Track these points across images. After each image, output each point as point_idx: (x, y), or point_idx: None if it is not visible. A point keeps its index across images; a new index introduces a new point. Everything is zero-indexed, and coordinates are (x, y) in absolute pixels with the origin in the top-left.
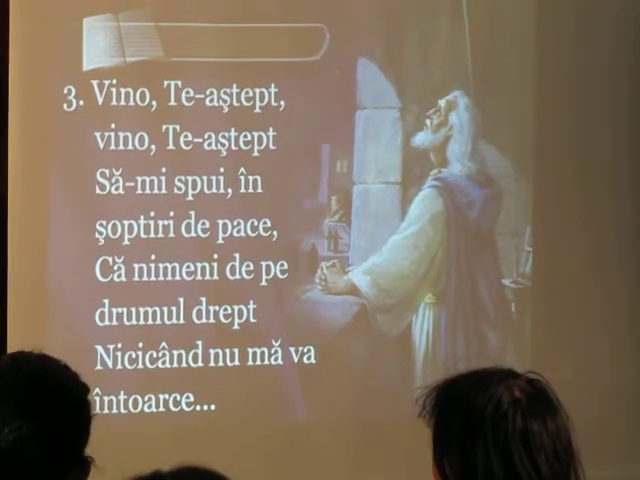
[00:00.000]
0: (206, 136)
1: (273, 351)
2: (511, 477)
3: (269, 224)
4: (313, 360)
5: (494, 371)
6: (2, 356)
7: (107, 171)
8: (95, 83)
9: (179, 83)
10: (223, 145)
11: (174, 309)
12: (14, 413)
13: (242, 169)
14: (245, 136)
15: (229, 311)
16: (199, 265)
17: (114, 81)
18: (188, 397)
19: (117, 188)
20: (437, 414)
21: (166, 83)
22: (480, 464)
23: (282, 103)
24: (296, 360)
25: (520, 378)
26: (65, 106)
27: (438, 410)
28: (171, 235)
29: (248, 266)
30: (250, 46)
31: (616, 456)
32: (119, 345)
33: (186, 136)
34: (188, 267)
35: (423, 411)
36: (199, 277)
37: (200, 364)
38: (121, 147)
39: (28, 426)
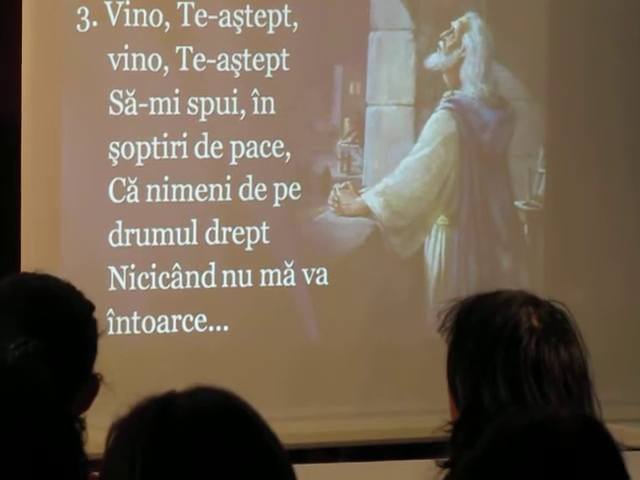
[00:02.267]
0: (219, 57)
1: (286, 272)
2: (518, 404)
3: (282, 145)
4: (326, 282)
5: (517, 294)
6: (2, 278)
7: (120, 92)
8: (108, 4)
9: (192, 4)
10: (236, 66)
11: (187, 230)
12: (18, 330)
13: (255, 90)
14: (258, 57)
15: (242, 232)
16: (212, 186)
17: (127, 2)
18: (201, 318)
19: (130, 109)
20: (454, 331)
21: (179, 4)
22: (487, 386)
23: (295, 24)
24: (309, 282)
25: (541, 306)
26: (78, 27)
27: (456, 327)
28: (184, 156)
29: (261, 187)
30: None
31: (626, 378)
32: (132, 266)
33: (199, 57)
34: (201, 188)
35: (443, 327)
36: (212, 198)
37: (213, 285)
38: (134, 68)
39: (33, 341)
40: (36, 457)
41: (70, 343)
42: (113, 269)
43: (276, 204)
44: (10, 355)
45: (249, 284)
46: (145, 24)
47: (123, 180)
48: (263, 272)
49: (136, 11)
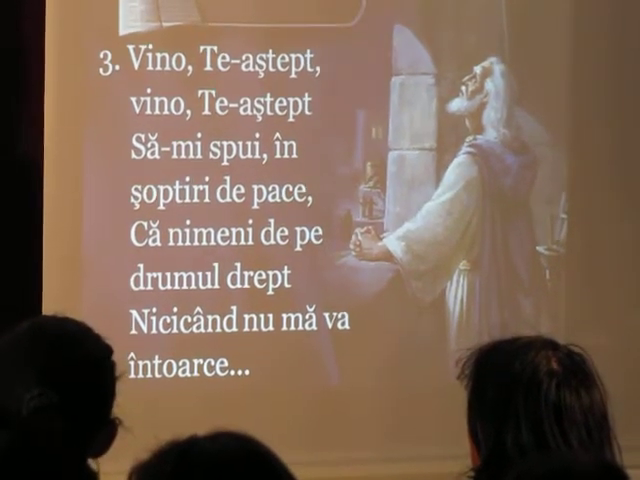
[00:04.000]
0: (242, 101)
1: (307, 317)
2: (540, 448)
3: (304, 190)
4: (347, 326)
5: (535, 339)
6: (22, 322)
7: (143, 136)
8: (131, 48)
9: (215, 48)
10: (259, 110)
11: (209, 274)
12: (35, 379)
13: (277, 134)
14: (281, 102)
15: (263, 276)
16: (234, 230)
17: (150, 46)
18: (222, 362)
19: (153, 153)
20: (474, 377)
21: (202, 48)
22: (510, 431)
23: (318, 69)
24: (330, 326)
25: (560, 350)
26: (101, 71)
27: (475, 373)
28: (206, 200)
29: (283, 231)
30: (286, 11)
31: None
32: (154, 310)
33: (222, 101)
34: (223, 232)
35: (462, 374)
36: (234, 242)
37: (234, 329)
38: (157, 112)
39: (49, 393)
40: None
41: (87, 388)
42: (134, 312)
43: (298, 248)
44: (25, 408)
45: (270, 328)
46: (168, 68)
47: (145, 224)
48: (285, 316)
49: (159, 55)
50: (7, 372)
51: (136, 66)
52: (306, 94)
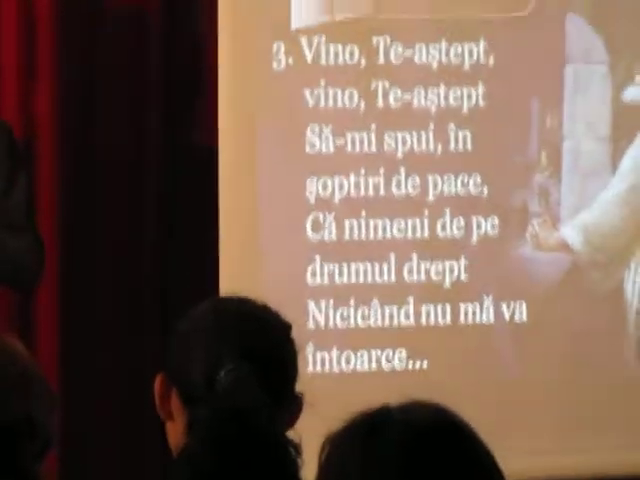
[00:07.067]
0: (415, 93)
1: (484, 308)
2: None
3: (479, 180)
4: (525, 318)
5: None
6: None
7: (317, 129)
8: (304, 41)
9: (388, 40)
10: (432, 102)
11: (385, 266)
12: (226, 355)
13: (451, 125)
14: (454, 92)
15: (440, 268)
16: (409, 222)
17: (323, 38)
18: (400, 353)
19: (327, 146)
20: None
21: (375, 39)
22: None
23: (491, 59)
24: (507, 318)
25: None
26: (274, 64)
27: None
28: (381, 192)
29: (459, 222)
30: (458, 2)
31: None
32: (331, 302)
33: (395, 93)
34: (399, 224)
35: None
36: (409, 234)
37: (411, 321)
38: (330, 105)
39: (244, 364)
40: None
41: (273, 362)
42: (312, 305)
43: (474, 239)
44: (220, 384)
45: (448, 320)
46: (341, 60)
47: (320, 216)
48: (462, 308)
49: (332, 47)
50: (194, 352)
51: (309, 59)
52: (480, 84)
